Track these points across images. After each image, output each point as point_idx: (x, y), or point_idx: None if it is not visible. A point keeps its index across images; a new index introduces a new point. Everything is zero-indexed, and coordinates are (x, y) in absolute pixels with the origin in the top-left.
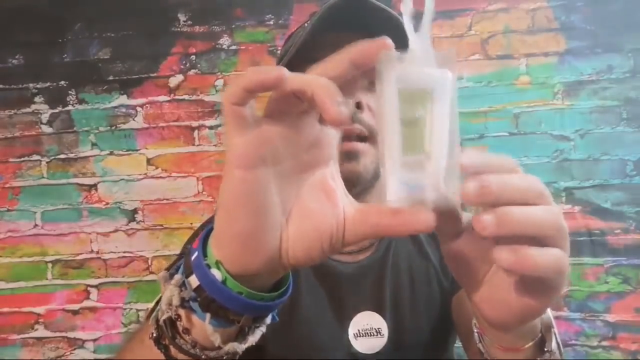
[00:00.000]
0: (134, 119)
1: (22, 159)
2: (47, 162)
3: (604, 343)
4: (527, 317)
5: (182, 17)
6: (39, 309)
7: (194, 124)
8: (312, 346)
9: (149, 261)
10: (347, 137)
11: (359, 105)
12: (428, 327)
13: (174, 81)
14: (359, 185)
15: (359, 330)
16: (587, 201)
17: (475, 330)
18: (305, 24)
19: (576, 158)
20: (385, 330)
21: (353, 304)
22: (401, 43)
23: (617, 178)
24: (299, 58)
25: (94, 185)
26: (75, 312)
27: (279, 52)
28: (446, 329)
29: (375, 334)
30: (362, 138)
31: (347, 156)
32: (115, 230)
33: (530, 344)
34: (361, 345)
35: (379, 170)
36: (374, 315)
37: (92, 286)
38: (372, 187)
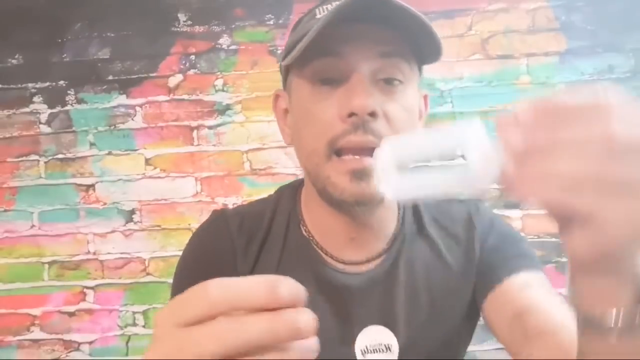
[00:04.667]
0: (132, 119)
1: (20, 158)
2: (45, 162)
3: None
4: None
5: (182, 17)
6: (35, 311)
7: (193, 123)
8: None
9: (146, 262)
10: (354, 150)
11: (372, 114)
12: (443, 341)
13: (173, 81)
14: (369, 205)
15: (366, 346)
16: None
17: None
18: (317, 12)
19: None
20: (395, 347)
21: (361, 317)
22: (429, 43)
23: None
24: (314, 49)
25: (92, 186)
26: (71, 314)
27: (279, 51)
28: (462, 341)
29: (384, 350)
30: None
31: (355, 175)
32: (113, 231)
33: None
34: None
35: None
36: (384, 329)
37: (88, 288)
38: (381, 203)
